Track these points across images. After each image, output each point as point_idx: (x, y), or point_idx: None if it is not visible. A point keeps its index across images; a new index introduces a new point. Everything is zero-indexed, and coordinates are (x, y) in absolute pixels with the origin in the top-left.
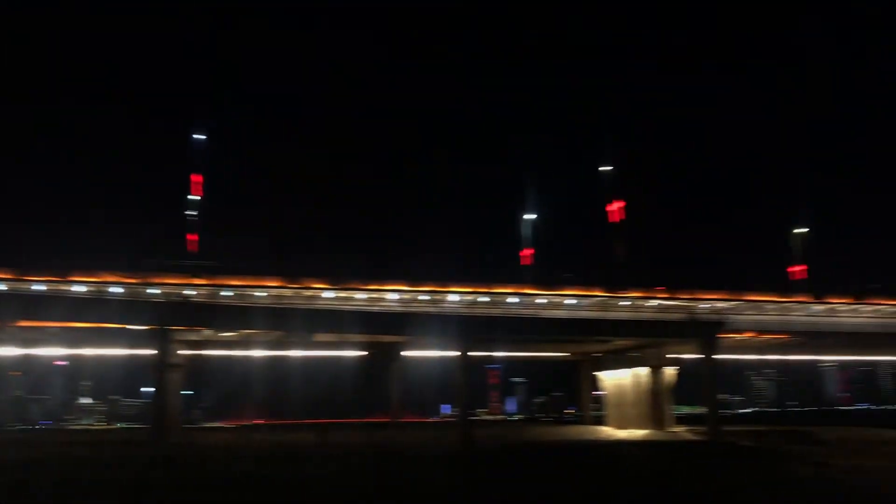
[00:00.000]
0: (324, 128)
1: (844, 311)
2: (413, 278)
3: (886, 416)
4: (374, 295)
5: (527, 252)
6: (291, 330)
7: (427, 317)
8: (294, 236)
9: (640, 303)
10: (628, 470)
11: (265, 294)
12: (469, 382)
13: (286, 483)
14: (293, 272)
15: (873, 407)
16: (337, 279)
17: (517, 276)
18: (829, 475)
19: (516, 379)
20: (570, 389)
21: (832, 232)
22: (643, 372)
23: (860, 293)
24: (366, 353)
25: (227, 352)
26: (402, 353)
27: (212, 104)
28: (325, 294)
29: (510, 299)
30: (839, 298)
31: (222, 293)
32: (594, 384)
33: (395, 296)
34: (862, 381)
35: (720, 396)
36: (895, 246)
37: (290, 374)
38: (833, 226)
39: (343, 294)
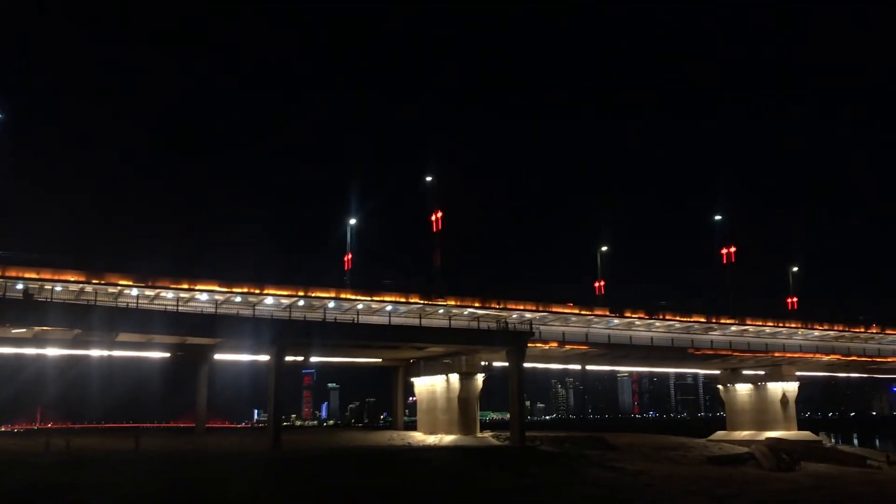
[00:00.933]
0: (143, 113)
1: (640, 326)
2: (227, 278)
3: (672, 423)
4: (185, 294)
5: (348, 257)
6: (92, 328)
7: (241, 319)
8: (99, 228)
9: (454, 311)
10: (431, 472)
11: (63, 289)
12: (282, 387)
13: (73, 489)
14: (96, 267)
15: (661, 415)
16: (144, 276)
17: (337, 280)
18: (619, 478)
19: (331, 384)
20: (384, 395)
21: (631, 251)
22: (454, 378)
23: (653, 309)
24: (173, 354)
25: (18, 349)
26: (214, 356)
27: None
28: (131, 291)
29: (329, 304)
30: (635, 313)
31: (18, 287)
32: (408, 390)
33: (208, 296)
34: (651, 391)
35: (525, 403)
36: (683, 266)
37: (90, 376)
38: (631, 245)
39: (150, 292)
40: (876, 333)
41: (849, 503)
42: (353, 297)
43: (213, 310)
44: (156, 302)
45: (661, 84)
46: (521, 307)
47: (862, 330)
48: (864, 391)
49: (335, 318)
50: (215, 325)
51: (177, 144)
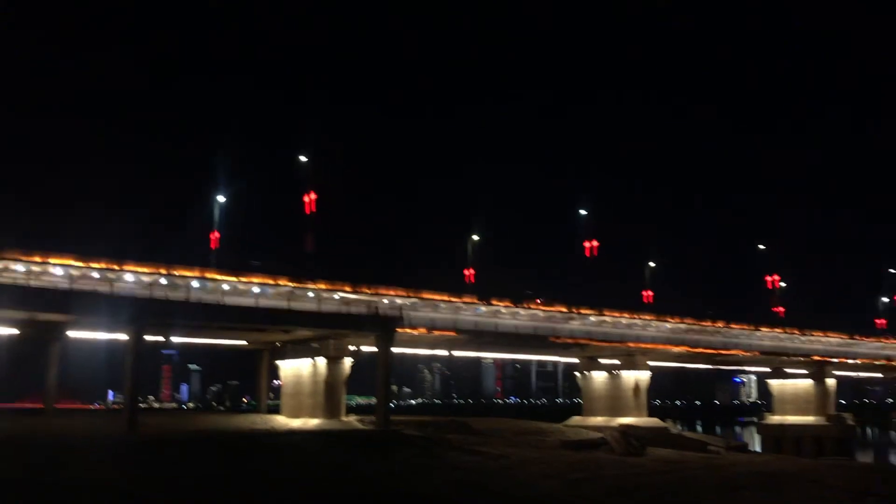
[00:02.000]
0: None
1: (506, 314)
2: (85, 252)
3: (532, 409)
4: (37, 268)
5: (215, 236)
6: None
7: (97, 296)
8: None
9: (325, 295)
10: (294, 456)
11: None
12: (140, 368)
13: None
14: None
15: (523, 401)
16: None
17: (202, 259)
18: (480, 462)
19: (192, 366)
20: (248, 379)
21: (500, 240)
22: (322, 362)
23: (518, 298)
24: (22, 331)
25: None
26: (67, 334)
27: None
28: None
29: (193, 283)
30: (502, 302)
31: None
32: (273, 374)
33: (63, 270)
34: (514, 377)
35: (391, 388)
36: (550, 256)
37: None
38: (500, 234)
39: None
40: (721, 327)
41: (688, 484)
42: (219, 277)
43: (68, 285)
44: (4, 275)
45: (538, 71)
46: (392, 293)
47: (709, 324)
48: (709, 381)
49: (199, 299)
50: (69, 302)
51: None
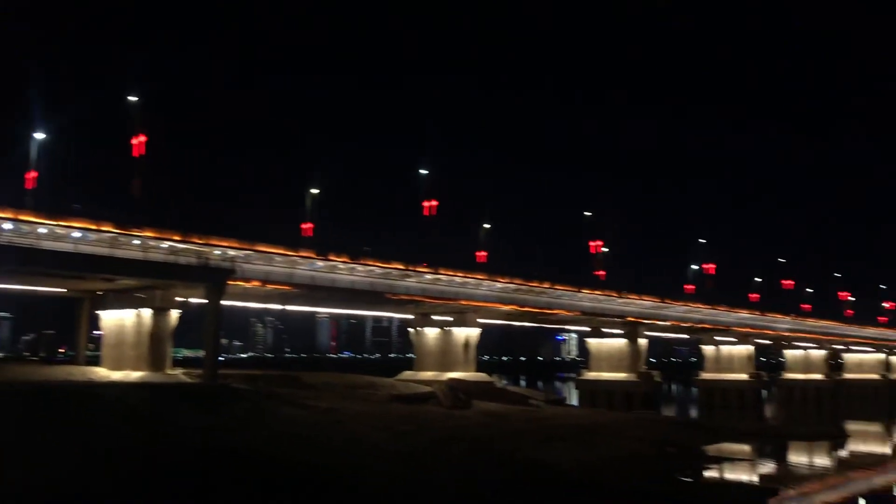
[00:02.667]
0: None
1: (343, 269)
2: None
3: (367, 363)
4: None
5: (32, 175)
6: None
7: None
8: None
9: (152, 243)
10: (113, 409)
11: None
12: None
13: None
14: None
15: (357, 356)
16: None
17: (17, 200)
18: (310, 416)
19: (1, 314)
20: (66, 328)
21: (341, 196)
22: (147, 314)
23: (356, 254)
24: None
25: None
26: None
27: None
28: None
29: (4, 225)
30: (339, 257)
31: None
32: (94, 324)
33: None
34: (349, 332)
35: (221, 341)
36: (389, 213)
37: None
38: (342, 190)
39: None
40: (547, 288)
41: (509, 435)
42: (35, 219)
43: None
44: None
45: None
46: (225, 244)
47: (536, 284)
48: (534, 339)
49: (11, 242)
50: None
51: None
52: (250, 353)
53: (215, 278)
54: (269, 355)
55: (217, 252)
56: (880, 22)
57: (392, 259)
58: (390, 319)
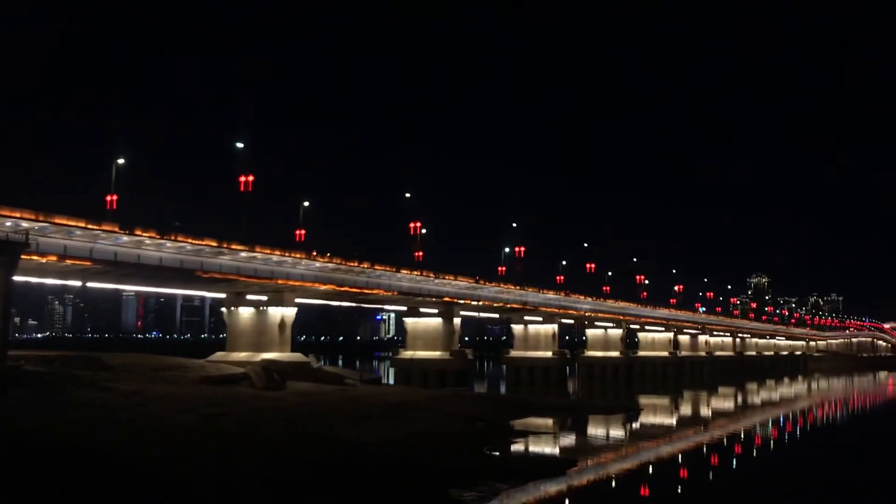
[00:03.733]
0: None
1: (150, 245)
2: None
3: (175, 344)
4: None
5: None
6: None
7: None
8: None
9: None
10: None
11: None
12: None
13: None
14: None
15: (166, 336)
16: None
17: None
18: (111, 398)
19: None
20: None
21: (153, 167)
22: None
23: (166, 229)
24: None
25: None
26: None
27: None
28: None
29: None
30: (146, 232)
31: None
32: None
33: None
34: (157, 311)
35: (13, 320)
36: (204, 188)
37: None
38: (155, 162)
39: None
40: (367, 268)
41: (323, 414)
42: None
43: None
44: None
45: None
46: (17, 215)
47: (356, 264)
48: (352, 318)
49: None
50: None
51: None
52: (47, 333)
53: (5, 252)
54: (69, 335)
55: (8, 223)
56: None
57: (206, 235)
58: (202, 299)
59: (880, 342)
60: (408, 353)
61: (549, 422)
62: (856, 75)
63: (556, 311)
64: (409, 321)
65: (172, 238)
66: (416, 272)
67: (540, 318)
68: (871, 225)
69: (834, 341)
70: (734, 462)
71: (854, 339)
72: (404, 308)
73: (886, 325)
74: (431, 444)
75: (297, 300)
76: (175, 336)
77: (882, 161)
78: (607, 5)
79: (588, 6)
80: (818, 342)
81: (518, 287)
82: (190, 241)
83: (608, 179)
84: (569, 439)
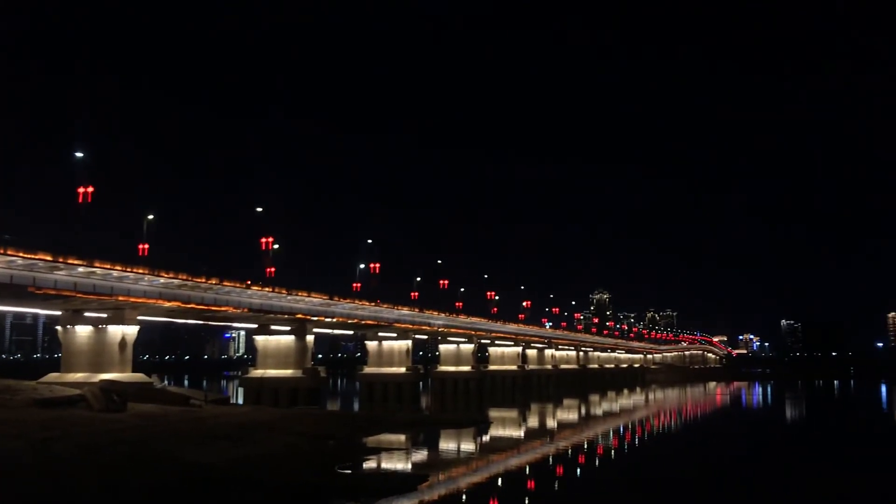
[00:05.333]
0: None
1: None
2: None
3: (5, 365)
4: None
5: None
6: None
7: None
8: None
9: None
10: None
11: None
12: None
13: None
14: None
15: None
16: None
17: None
18: None
19: None
20: None
21: None
22: None
23: None
24: None
25: None
26: None
27: None
28: None
29: None
30: None
31: None
32: None
33: None
34: None
35: None
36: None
37: None
38: None
39: None
40: (214, 284)
41: (167, 437)
42: None
43: None
44: None
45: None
46: None
47: (203, 280)
48: (199, 337)
49: None
50: None
51: None
52: None
53: None
54: None
55: None
56: None
57: (40, 249)
58: (35, 316)
59: (710, 354)
60: (258, 372)
61: (402, 438)
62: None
63: (410, 326)
64: (260, 339)
65: (2, 251)
66: (267, 288)
67: (394, 334)
68: (703, 246)
69: (669, 354)
70: (578, 471)
71: (687, 352)
72: (255, 325)
73: (715, 339)
74: (279, 464)
75: (140, 317)
76: (3, 356)
77: (712, 185)
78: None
79: None
80: (655, 355)
81: (372, 303)
82: (21, 254)
83: (454, 202)
84: (421, 455)
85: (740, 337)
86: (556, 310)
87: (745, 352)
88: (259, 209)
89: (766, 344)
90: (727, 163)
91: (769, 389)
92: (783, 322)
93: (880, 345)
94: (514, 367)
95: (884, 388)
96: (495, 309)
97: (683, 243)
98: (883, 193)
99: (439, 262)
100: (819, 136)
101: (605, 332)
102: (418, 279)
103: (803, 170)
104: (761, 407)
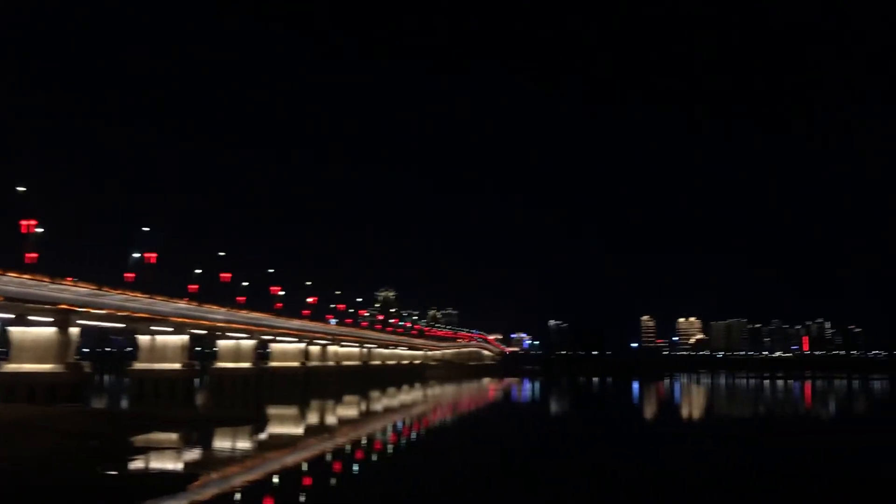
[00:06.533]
0: None
1: None
2: None
3: None
4: None
5: None
6: None
7: None
8: None
9: None
10: None
11: None
12: None
13: None
14: None
15: None
16: None
17: None
18: None
19: None
20: None
21: None
22: None
23: None
24: None
25: None
26: None
27: None
28: None
29: None
30: None
31: None
32: None
33: None
34: None
35: None
36: None
37: None
38: None
39: None
40: None
41: None
42: None
43: None
44: None
45: None
46: None
47: None
48: None
49: None
50: None
51: None
52: None
53: None
54: None
55: None
56: None
57: None
58: None
59: (486, 352)
60: (11, 367)
61: (174, 436)
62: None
63: (188, 321)
64: (16, 331)
65: None
66: (26, 275)
67: (170, 329)
68: (484, 247)
69: (448, 351)
70: (355, 467)
71: (465, 349)
72: (12, 316)
73: (491, 337)
74: (36, 465)
75: None
76: None
77: (497, 189)
78: None
79: None
80: (435, 352)
81: (147, 295)
82: None
83: (241, 196)
84: (194, 454)
85: (514, 335)
86: (341, 306)
87: (517, 350)
88: (21, 188)
89: (537, 342)
90: (511, 169)
91: (537, 385)
92: (551, 322)
93: (635, 345)
94: (296, 364)
95: (636, 385)
96: (279, 304)
97: (466, 244)
98: (643, 208)
99: (221, 254)
100: (588, 154)
101: (389, 329)
102: (198, 271)
103: (572, 186)
104: (529, 401)
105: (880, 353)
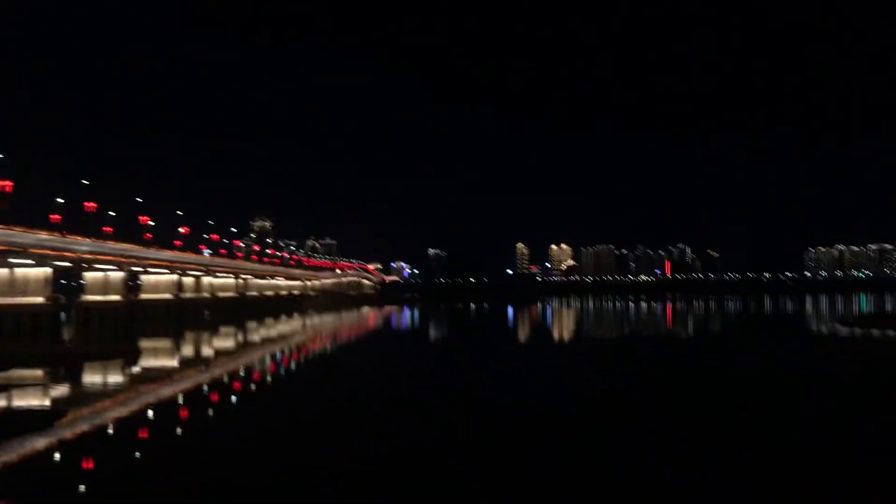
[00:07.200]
0: None
1: None
2: None
3: None
4: None
5: None
6: None
7: None
8: None
9: None
10: None
11: None
12: None
13: None
14: None
15: None
16: None
17: None
18: None
19: None
20: None
21: None
22: None
23: None
24: None
25: None
26: None
27: None
28: None
29: None
30: None
31: None
32: None
33: None
34: None
35: None
36: None
37: None
38: None
39: None
40: None
41: None
42: None
43: None
44: None
45: None
46: None
47: None
48: None
49: None
50: None
51: None
52: None
53: None
54: None
55: None
56: None
57: None
58: None
59: (366, 281)
60: None
61: (39, 373)
62: None
63: (51, 252)
64: None
65: None
66: None
67: (31, 261)
68: (363, 177)
69: (328, 281)
70: (234, 398)
71: (344, 279)
72: None
73: (370, 266)
74: None
75: None
76: None
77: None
78: None
79: None
80: (314, 282)
81: (3, 227)
82: None
83: (106, 117)
84: (61, 390)
85: (393, 264)
86: (215, 237)
87: (397, 279)
88: None
89: (417, 271)
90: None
91: (416, 313)
92: (431, 251)
93: (510, 272)
94: (168, 296)
95: (510, 309)
96: (149, 235)
97: (345, 174)
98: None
99: (85, 182)
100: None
101: (266, 259)
102: (60, 200)
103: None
104: (408, 328)
105: (735, 276)
